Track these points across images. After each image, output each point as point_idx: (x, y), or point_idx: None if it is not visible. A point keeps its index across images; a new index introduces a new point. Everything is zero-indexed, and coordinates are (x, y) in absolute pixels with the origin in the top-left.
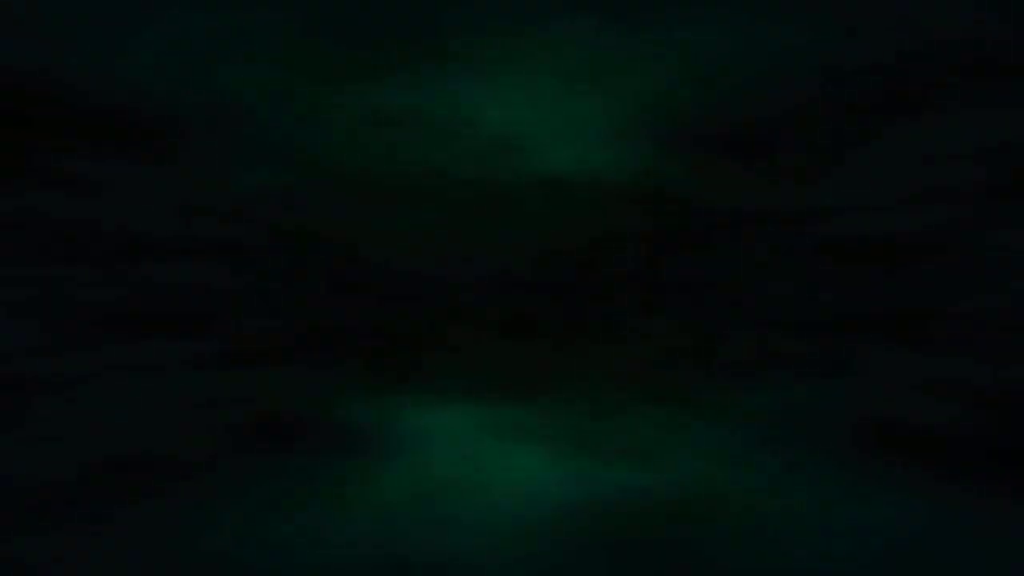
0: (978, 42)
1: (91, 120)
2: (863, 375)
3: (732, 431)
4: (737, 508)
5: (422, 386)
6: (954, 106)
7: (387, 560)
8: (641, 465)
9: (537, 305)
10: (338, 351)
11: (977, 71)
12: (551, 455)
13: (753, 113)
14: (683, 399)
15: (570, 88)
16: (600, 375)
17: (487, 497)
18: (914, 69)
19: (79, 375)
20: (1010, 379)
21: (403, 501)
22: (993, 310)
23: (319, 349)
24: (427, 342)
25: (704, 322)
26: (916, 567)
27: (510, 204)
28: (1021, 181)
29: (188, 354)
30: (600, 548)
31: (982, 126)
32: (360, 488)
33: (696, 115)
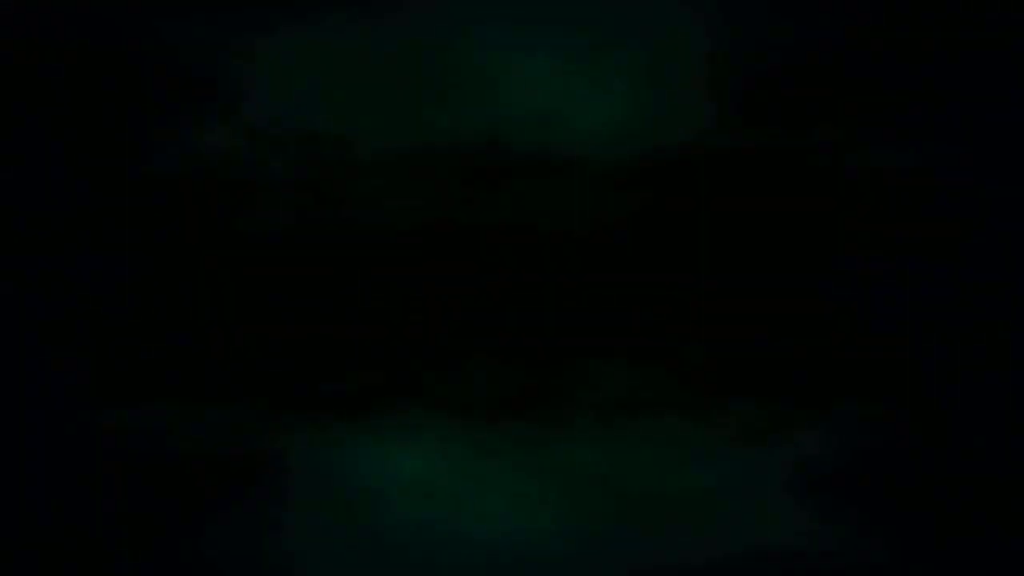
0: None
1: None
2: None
3: (772, 467)
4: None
5: (393, 407)
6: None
7: None
8: (656, 514)
9: (534, 309)
10: (292, 372)
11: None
12: (543, 492)
13: (776, 72)
14: (707, 422)
15: (591, 55)
16: (604, 396)
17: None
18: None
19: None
20: None
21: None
22: None
23: (269, 371)
24: (401, 356)
25: (734, 331)
26: None
27: (519, 185)
28: None
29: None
30: None
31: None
32: (318, 534)
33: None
